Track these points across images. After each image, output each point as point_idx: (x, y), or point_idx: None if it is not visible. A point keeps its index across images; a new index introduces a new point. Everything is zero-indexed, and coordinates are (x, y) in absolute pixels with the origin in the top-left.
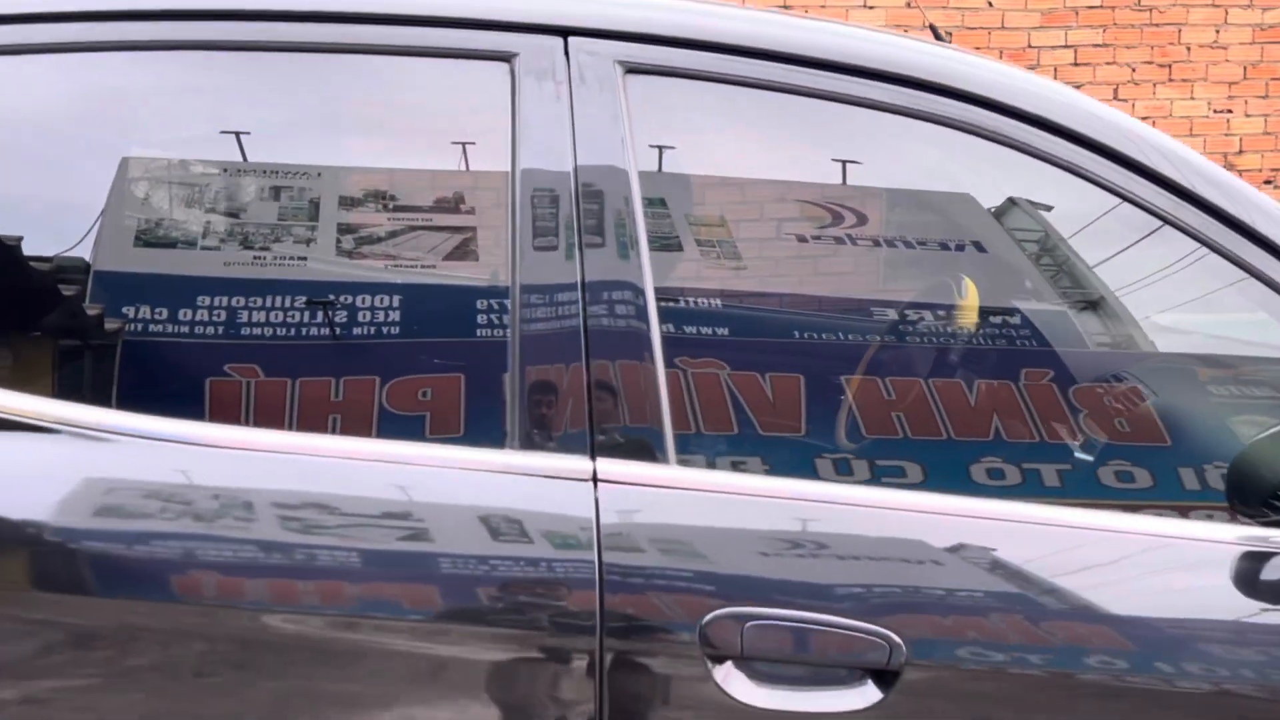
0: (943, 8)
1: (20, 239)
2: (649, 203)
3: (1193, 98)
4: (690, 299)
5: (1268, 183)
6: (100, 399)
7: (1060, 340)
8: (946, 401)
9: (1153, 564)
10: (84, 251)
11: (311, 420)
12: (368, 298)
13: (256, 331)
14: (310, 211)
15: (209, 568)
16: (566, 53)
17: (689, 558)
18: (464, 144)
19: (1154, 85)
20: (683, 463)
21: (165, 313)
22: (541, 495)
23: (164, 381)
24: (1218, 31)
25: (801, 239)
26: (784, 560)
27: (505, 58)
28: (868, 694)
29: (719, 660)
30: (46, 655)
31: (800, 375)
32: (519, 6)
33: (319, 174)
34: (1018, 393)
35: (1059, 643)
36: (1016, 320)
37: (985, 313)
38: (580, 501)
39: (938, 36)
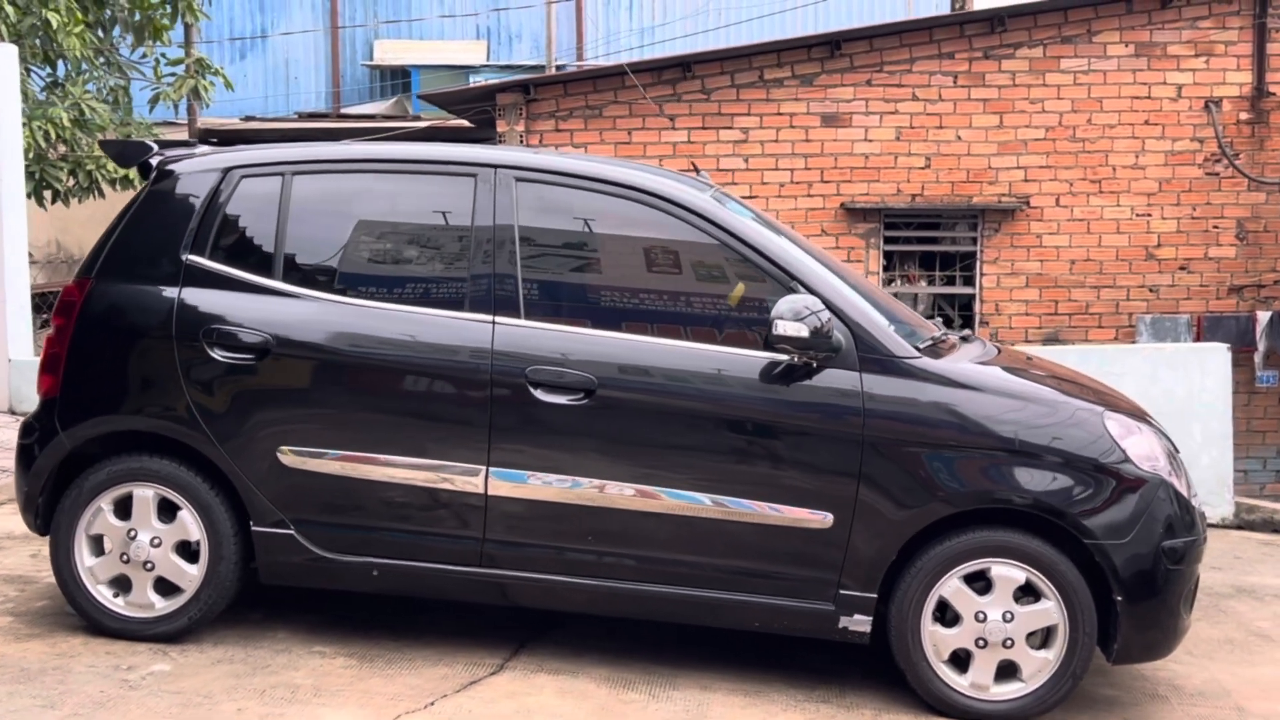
0: (923, 140)
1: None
2: (522, 237)
3: (1119, 205)
4: (536, 283)
5: (1182, 268)
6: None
7: (758, 303)
8: (667, 327)
9: (731, 361)
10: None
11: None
12: (429, 276)
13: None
14: (417, 237)
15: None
16: (495, 174)
17: (524, 349)
18: (455, 210)
19: (1088, 196)
20: (528, 316)
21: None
22: (473, 326)
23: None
24: (1137, 156)
25: (594, 255)
26: (563, 357)
27: (473, 175)
28: (583, 398)
29: (536, 385)
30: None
31: (581, 317)
32: (479, 157)
33: (413, 218)
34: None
35: (667, 384)
36: (751, 300)
37: (744, 298)
38: (486, 329)
39: (696, 171)
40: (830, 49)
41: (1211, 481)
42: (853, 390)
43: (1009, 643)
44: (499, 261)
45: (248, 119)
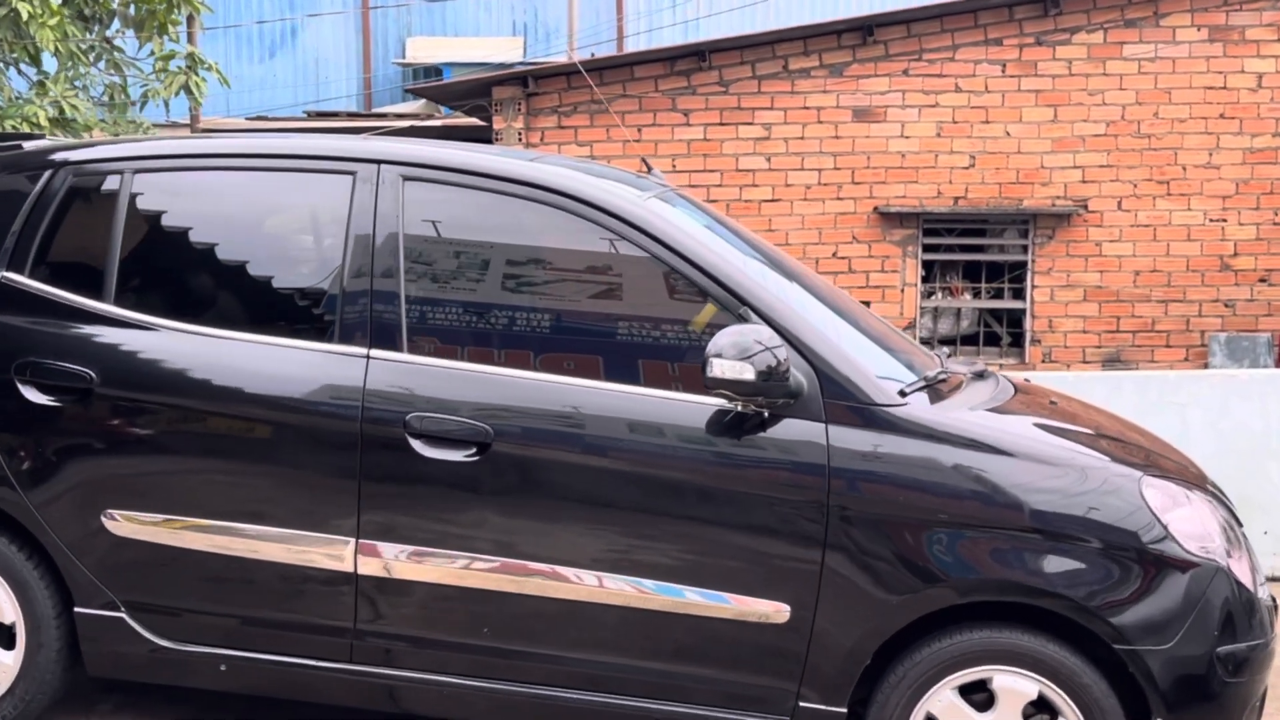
0: (967, 136)
1: None
2: (409, 250)
3: (1189, 209)
4: (424, 307)
5: (1262, 280)
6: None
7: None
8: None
9: (665, 409)
10: None
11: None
12: (291, 299)
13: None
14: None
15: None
16: (378, 171)
17: (404, 390)
18: (328, 216)
19: (1154, 199)
20: (412, 349)
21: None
22: (343, 360)
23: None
24: (1210, 154)
25: (499, 273)
26: (453, 401)
27: (351, 173)
28: (476, 454)
29: (418, 437)
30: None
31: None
32: (358, 150)
33: (275, 226)
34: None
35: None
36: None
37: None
38: (358, 365)
39: (648, 168)
40: (862, 35)
41: None
42: (816, 446)
43: None
44: (378, 280)
45: (256, 119)
